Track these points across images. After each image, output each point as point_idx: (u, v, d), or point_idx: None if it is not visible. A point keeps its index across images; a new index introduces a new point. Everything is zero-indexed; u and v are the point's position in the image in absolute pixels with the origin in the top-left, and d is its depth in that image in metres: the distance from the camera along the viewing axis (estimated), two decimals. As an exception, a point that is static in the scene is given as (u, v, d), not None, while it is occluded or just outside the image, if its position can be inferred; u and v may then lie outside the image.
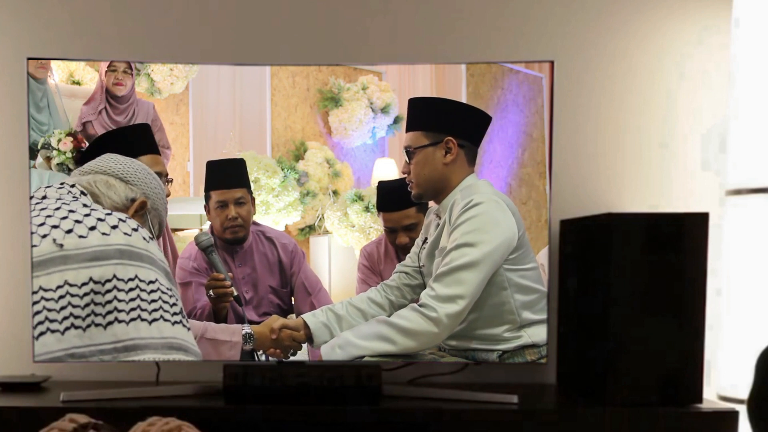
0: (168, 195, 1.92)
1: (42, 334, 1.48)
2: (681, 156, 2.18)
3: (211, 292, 1.94)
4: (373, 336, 1.86)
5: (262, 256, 2.02)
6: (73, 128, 1.95)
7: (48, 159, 1.94)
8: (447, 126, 1.87)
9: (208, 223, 2.00)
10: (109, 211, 1.52)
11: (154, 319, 1.49)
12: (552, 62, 1.92)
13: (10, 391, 1.98)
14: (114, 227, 1.49)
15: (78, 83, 1.99)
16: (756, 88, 1.83)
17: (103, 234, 1.48)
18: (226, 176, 1.97)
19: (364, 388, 1.89)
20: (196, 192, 2.03)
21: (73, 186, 1.58)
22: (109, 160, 1.65)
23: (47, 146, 1.94)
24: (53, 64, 1.95)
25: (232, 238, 1.98)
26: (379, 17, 2.17)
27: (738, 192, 1.85)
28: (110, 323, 1.47)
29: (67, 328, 1.48)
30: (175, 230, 2.03)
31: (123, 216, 1.52)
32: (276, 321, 1.95)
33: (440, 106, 1.91)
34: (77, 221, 1.50)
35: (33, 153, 1.94)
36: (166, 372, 2.02)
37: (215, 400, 1.87)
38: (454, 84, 2.02)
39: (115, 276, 1.46)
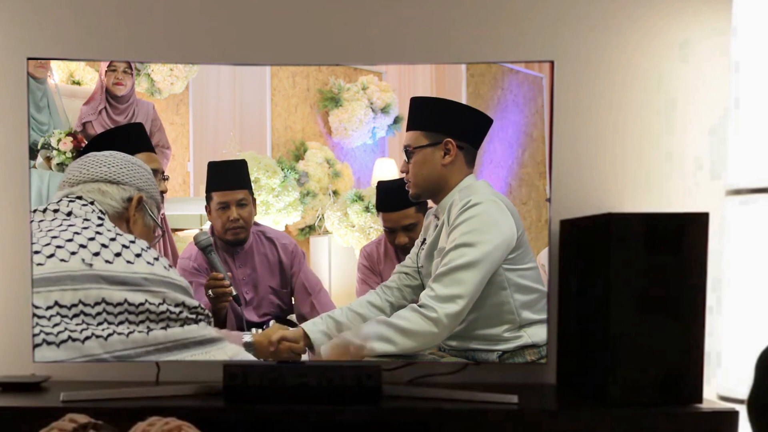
0: (165, 192, 1.93)
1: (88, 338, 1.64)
2: (681, 156, 2.18)
3: (210, 291, 1.94)
4: (373, 336, 1.86)
5: (263, 256, 2.02)
6: (73, 128, 1.95)
7: (48, 159, 1.94)
8: (447, 127, 1.87)
9: (208, 222, 2.00)
10: (133, 239, 1.64)
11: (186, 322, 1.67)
12: (552, 62, 1.92)
13: (10, 391, 1.98)
14: (138, 255, 1.62)
15: (78, 83, 1.99)
16: (756, 88, 1.83)
17: (128, 262, 1.61)
18: (228, 177, 1.97)
19: (364, 388, 1.89)
20: (196, 192, 2.03)
21: (92, 203, 1.67)
22: (93, 165, 1.71)
23: (47, 146, 1.94)
24: (53, 64, 1.95)
25: (233, 240, 1.98)
26: (379, 17, 2.17)
27: (738, 192, 1.85)
28: (150, 330, 1.64)
29: (110, 335, 1.63)
30: (175, 230, 2.03)
31: (145, 245, 1.64)
32: (275, 333, 1.93)
33: (441, 106, 1.91)
34: (104, 245, 1.61)
35: (33, 153, 1.94)
36: (166, 372, 2.02)
37: (215, 400, 1.87)
38: (454, 84, 2.02)
39: (147, 300, 1.62)
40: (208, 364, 1.95)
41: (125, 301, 1.60)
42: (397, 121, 2.06)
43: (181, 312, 1.63)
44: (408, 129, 1.91)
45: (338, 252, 2.06)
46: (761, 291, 1.81)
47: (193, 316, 1.65)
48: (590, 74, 2.17)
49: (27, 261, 1.73)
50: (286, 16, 2.17)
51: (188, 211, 2.03)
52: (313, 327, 1.91)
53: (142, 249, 1.62)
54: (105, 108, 1.97)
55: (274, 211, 2.02)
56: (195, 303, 1.66)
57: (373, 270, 2.02)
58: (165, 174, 1.94)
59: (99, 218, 1.65)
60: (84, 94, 1.98)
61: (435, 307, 1.82)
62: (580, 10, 2.17)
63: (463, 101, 1.98)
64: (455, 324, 1.85)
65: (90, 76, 1.98)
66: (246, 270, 2.01)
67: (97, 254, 1.60)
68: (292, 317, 2.04)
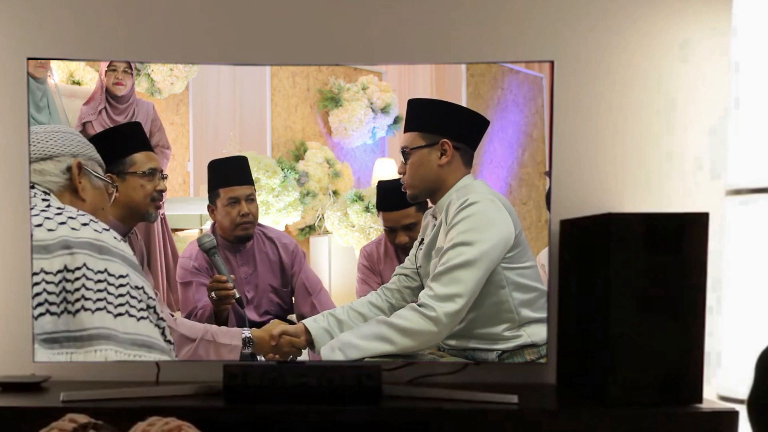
0: (164, 191, 1.92)
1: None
2: (681, 156, 2.18)
3: (213, 294, 1.94)
4: (373, 336, 1.86)
5: (264, 255, 2.02)
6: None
7: (48, 159, 1.94)
8: (443, 128, 1.88)
9: (208, 224, 2.00)
10: (83, 213, 1.57)
11: (119, 314, 1.53)
12: (552, 62, 1.92)
13: (10, 391, 1.98)
14: (85, 224, 1.54)
15: (78, 83, 1.99)
16: (756, 88, 1.83)
17: (73, 229, 1.53)
18: (236, 173, 1.97)
19: (364, 388, 1.89)
20: (196, 192, 2.03)
21: (33, 186, 1.62)
22: None
23: (47, 146, 1.93)
24: (53, 64, 1.95)
25: (243, 235, 1.98)
26: (379, 17, 2.17)
27: (738, 192, 1.85)
28: (78, 311, 1.53)
29: (41, 314, 1.55)
30: (175, 230, 2.03)
31: (93, 217, 1.57)
32: (276, 327, 1.94)
33: (437, 108, 1.91)
34: (48, 218, 1.55)
35: (33, 153, 1.94)
36: (166, 372, 2.02)
37: (215, 400, 1.87)
38: (454, 84, 2.02)
39: (85, 265, 1.52)
40: (208, 364, 1.96)
41: (65, 267, 1.52)
42: (397, 121, 2.06)
43: (121, 285, 1.53)
44: (405, 131, 1.91)
45: (338, 252, 2.06)
46: (761, 291, 1.81)
47: (136, 298, 1.54)
48: (590, 74, 2.17)
49: (27, 261, 1.73)
50: (286, 16, 2.17)
51: (188, 211, 2.03)
52: (314, 323, 1.92)
53: (91, 219, 1.56)
54: (105, 108, 1.97)
55: (274, 211, 2.02)
56: (140, 283, 1.55)
57: (373, 270, 2.02)
58: (164, 173, 1.94)
59: (43, 200, 1.61)
60: (84, 94, 1.98)
61: (434, 306, 1.82)
62: (580, 10, 2.17)
63: (463, 101, 1.98)
64: (455, 323, 1.85)
65: (90, 76, 1.98)
66: (247, 269, 2.01)
67: (39, 226, 1.55)
68: (292, 317, 2.04)
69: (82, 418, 1.00)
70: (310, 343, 1.91)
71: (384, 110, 2.06)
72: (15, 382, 2.02)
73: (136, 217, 1.91)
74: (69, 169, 1.65)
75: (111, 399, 1.85)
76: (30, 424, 1.67)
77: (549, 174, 1.94)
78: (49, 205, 1.59)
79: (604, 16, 2.17)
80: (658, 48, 2.17)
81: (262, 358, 1.94)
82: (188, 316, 1.95)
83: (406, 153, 1.89)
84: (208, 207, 1.98)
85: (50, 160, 1.64)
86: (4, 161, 2.16)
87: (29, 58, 1.90)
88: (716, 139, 2.15)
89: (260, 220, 2.01)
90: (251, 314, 1.99)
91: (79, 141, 1.69)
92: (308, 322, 1.92)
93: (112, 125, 1.95)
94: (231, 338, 1.92)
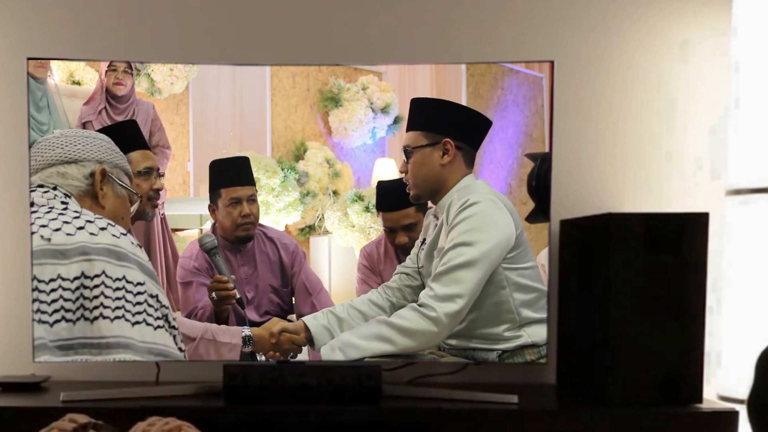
0: (161, 189, 1.92)
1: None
2: (681, 156, 2.18)
3: (213, 294, 1.94)
4: (373, 336, 1.86)
5: (264, 255, 2.02)
6: (73, 128, 1.95)
7: (48, 159, 1.94)
8: (446, 128, 1.88)
9: (208, 224, 2.00)
10: (100, 216, 1.56)
11: (137, 322, 1.52)
12: (552, 62, 1.92)
13: (10, 391, 1.98)
14: (102, 229, 1.53)
15: (78, 83, 1.99)
16: (756, 88, 1.83)
17: (91, 234, 1.52)
18: (238, 174, 1.97)
19: (364, 388, 1.89)
20: (196, 192, 2.03)
21: (55, 188, 1.61)
22: (46, 149, 1.64)
23: (47, 146, 1.93)
24: (53, 64, 1.95)
25: (244, 235, 1.98)
26: (379, 17, 2.17)
27: (738, 192, 1.85)
28: (96, 318, 1.52)
29: (57, 321, 1.53)
30: (175, 230, 2.03)
31: (111, 221, 1.56)
32: (276, 324, 1.94)
33: (440, 107, 1.91)
34: (66, 222, 1.54)
35: (33, 153, 1.94)
36: (166, 372, 2.02)
37: (215, 400, 1.87)
38: (454, 84, 2.02)
39: (104, 272, 1.50)
40: (208, 364, 1.96)
41: (82, 274, 1.50)
42: (397, 121, 2.06)
43: (139, 293, 1.52)
44: (407, 129, 1.91)
45: (338, 252, 2.06)
46: (761, 291, 1.81)
47: (153, 306, 1.53)
48: (590, 74, 2.17)
49: (27, 261, 1.73)
50: (286, 16, 2.17)
51: (188, 211, 2.03)
52: (314, 321, 1.92)
53: (108, 224, 1.55)
54: (105, 108, 1.97)
55: (274, 211, 2.02)
56: (155, 291, 1.54)
57: (373, 270, 2.02)
58: (160, 171, 1.94)
59: (62, 203, 1.59)
60: (84, 94, 1.98)
61: (434, 306, 1.82)
62: (580, 10, 2.17)
63: (463, 101, 1.98)
64: (455, 323, 1.85)
65: (90, 76, 1.98)
66: (247, 269, 2.01)
67: (57, 230, 1.53)
68: (293, 317, 2.04)
69: (82, 418, 1.00)
70: (310, 341, 1.91)
71: (384, 110, 2.06)
72: (15, 382, 2.02)
73: (133, 216, 1.91)
74: (92, 174, 1.63)
75: (111, 399, 1.85)
76: (30, 424, 1.66)
77: (549, 173, 1.93)
78: (66, 209, 1.58)
79: (604, 16, 2.17)
80: (658, 48, 2.17)
81: (263, 357, 1.94)
82: (188, 316, 1.96)
83: (408, 152, 1.89)
84: (209, 207, 1.98)
85: (75, 164, 1.63)
86: (4, 161, 2.16)
87: (29, 58, 1.90)
88: (716, 139, 2.15)
89: (260, 220, 2.01)
90: (251, 314, 1.99)
91: (108, 148, 1.68)
92: (308, 319, 1.93)
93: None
94: (231, 337, 1.92)
